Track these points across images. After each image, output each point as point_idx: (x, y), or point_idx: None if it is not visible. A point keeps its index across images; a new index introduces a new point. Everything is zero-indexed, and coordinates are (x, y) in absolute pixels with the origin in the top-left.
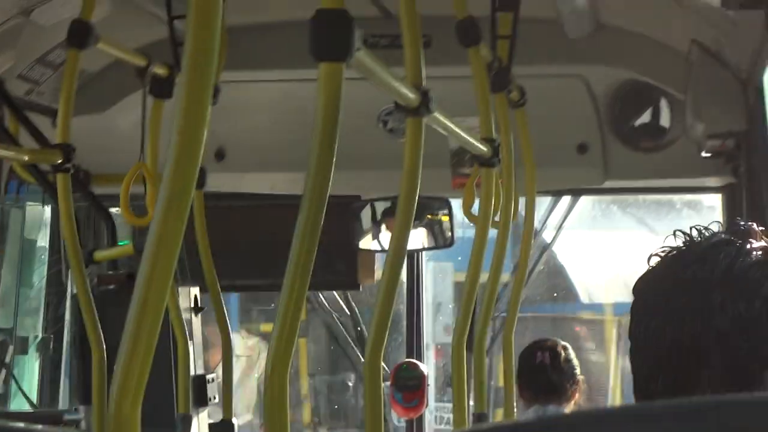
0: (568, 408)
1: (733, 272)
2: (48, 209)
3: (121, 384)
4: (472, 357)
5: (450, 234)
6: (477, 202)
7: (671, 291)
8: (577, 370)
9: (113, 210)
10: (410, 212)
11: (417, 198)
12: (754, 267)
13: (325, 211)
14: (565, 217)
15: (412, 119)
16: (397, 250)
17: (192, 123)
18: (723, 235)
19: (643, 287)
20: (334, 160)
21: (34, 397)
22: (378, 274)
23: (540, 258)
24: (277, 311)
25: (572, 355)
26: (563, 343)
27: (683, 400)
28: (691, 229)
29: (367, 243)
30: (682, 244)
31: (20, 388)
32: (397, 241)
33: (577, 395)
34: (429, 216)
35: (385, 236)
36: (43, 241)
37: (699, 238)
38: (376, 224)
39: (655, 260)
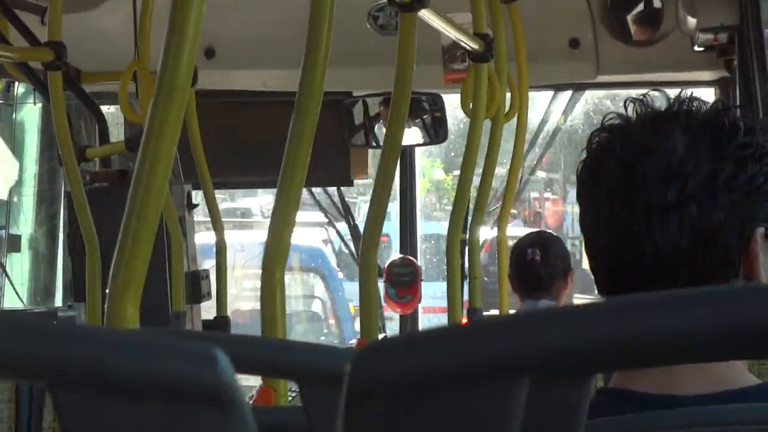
0: (561, 300)
1: None
2: (38, 108)
3: (120, 282)
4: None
5: (443, 130)
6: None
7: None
8: (569, 262)
9: (104, 108)
10: (404, 108)
11: (411, 94)
12: None
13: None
14: (564, 112)
15: (404, 14)
16: (392, 146)
17: (187, 18)
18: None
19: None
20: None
21: (27, 295)
22: (370, 170)
23: (541, 156)
24: (273, 207)
25: (563, 247)
26: (555, 235)
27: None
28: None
29: (359, 139)
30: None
31: (12, 286)
32: (392, 137)
33: (568, 287)
34: (421, 112)
35: (380, 131)
36: (33, 139)
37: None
38: (368, 120)
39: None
